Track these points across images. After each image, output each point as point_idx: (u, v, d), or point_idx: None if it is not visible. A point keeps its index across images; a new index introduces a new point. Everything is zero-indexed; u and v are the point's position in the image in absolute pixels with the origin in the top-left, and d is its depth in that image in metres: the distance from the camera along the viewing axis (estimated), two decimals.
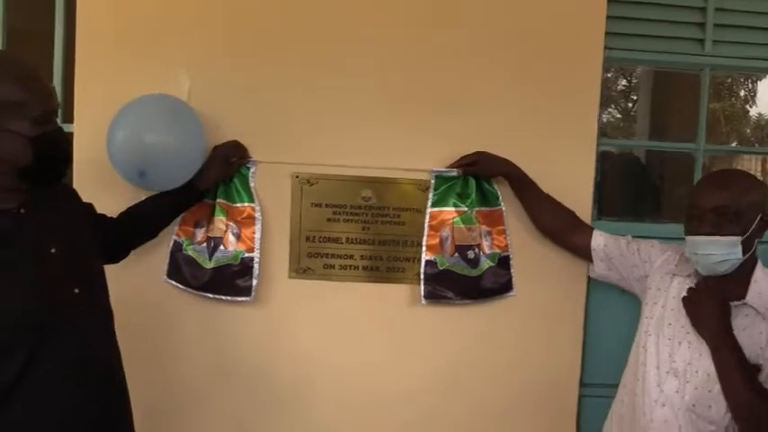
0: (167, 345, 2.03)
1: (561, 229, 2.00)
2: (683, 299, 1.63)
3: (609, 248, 1.90)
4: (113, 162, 1.75)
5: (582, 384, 2.13)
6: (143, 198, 1.83)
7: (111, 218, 1.73)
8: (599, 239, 1.93)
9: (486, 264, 2.02)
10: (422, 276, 2.00)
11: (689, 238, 1.61)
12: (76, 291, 1.36)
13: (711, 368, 1.55)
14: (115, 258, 1.74)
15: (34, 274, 1.28)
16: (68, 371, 1.32)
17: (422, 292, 2.00)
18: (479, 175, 2.00)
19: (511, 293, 2.05)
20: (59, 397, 1.30)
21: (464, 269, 2.00)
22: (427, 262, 2.00)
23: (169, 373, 2.03)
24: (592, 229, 1.96)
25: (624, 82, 8.40)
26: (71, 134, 1.90)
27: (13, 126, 1.24)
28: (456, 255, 2.00)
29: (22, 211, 1.32)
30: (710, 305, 1.56)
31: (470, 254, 2.00)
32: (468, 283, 2.01)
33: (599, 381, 2.12)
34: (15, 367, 1.23)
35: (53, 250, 1.33)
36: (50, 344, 1.28)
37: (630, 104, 9.00)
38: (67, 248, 1.36)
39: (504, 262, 2.04)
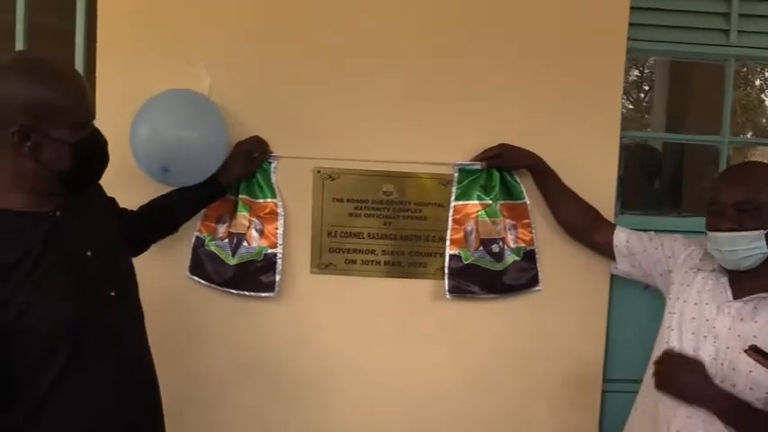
0: (189, 340, 2.04)
1: (583, 226, 1.98)
2: (654, 375, 1.62)
3: (631, 245, 1.89)
4: (136, 158, 1.75)
5: (605, 380, 2.12)
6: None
7: (132, 211, 1.73)
8: (621, 236, 1.91)
9: (510, 258, 2.01)
10: (446, 271, 1.99)
11: (711, 234, 1.60)
12: (112, 293, 1.35)
13: (738, 362, 1.53)
14: (136, 252, 1.72)
15: (73, 279, 1.27)
16: (105, 373, 1.31)
17: (446, 287, 1.99)
18: (503, 168, 1.98)
19: (537, 288, 2.04)
20: (96, 399, 1.30)
21: (489, 263, 1.99)
22: (451, 256, 1.99)
23: (191, 368, 2.04)
24: (614, 226, 1.95)
25: (636, 72, 8.35)
26: None
27: (54, 133, 1.23)
28: (481, 248, 1.99)
29: (59, 214, 1.30)
30: (684, 374, 1.58)
31: (495, 247, 1.98)
32: (493, 277, 2.00)
33: (622, 376, 2.11)
34: (55, 371, 1.23)
35: (89, 253, 1.32)
36: (88, 347, 1.27)
37: (642, 95, 8.95)
38: (102, 251, 1.36)
39: (529, 256, 2.02)
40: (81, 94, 1.28)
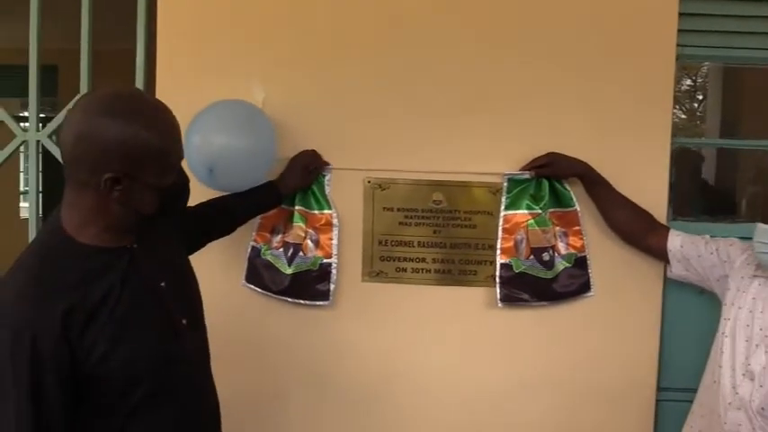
0: (242, 348, 2.09)
1: (637, 231, 1.97)
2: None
3: (686, 249, 1.86)
4: (188, 162, 1.76)
5: (659, 388, 2.09)
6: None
7: (191, 207, 1.68)
8: (675, 241, 1.89)
9: (561, 265, 2.01)
10: (497, 279, 2.00)
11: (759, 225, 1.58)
12: (184, 321, 1.32)
13: None
14: (191, 250, 1.65)
15: (151, 315, 1.25)
16: (177, 402, 1.30)
17: (498, 295, 2.00)
18: (552, 177, 1.99)
19: (589, 294, 2.03)
20: (168, 429, 1.28)
21: (540, 271, 1.99)
22: (502, 265, 2.00)
23: (243, 376, 2.08)
24: (668, 229, 1.92)
25: (689, 81, 8.20)
26: None
27: (148, 179, 1.19)
28: (532, 257, 1.99)
29: (135, 246, 1.26)
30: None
31: (545, 256, 1.99)
32: (544, 284, 2.00)
33: (677, 385, 2.07)
34: (131, 404, 1.21)
35: (163, 284, 1.29)
36: (163, 378, 1.26)
37: (696, 104, 8.77)
38: (174, 279, 1.33)
39: (580, 263, 2.02)
40: (176, 136, 1.25)
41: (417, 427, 2.09)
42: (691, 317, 2.06)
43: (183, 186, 1.33)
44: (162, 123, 1.20)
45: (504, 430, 2.09)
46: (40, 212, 2.29)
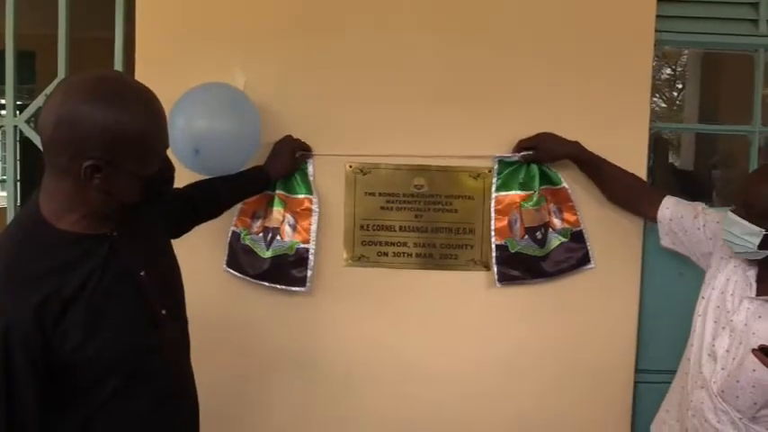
0: (223, 333, 2.09)
1: (633, 202, 1.98)
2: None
3: (673, 223, 1.84)
4: (173, 144, 1.71)
5: (637, 370, 2.13)
6: None
7: (177, 189, 1.60)
8: (665, 213, 1.86)
9: (556, 240, 2.03)
10: (493, 261, 2.02)
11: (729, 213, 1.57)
12: (163, 312, 1.29)
13: (745, 359, 1.51)
14: (177, 234, 1.62)
15: (130, 305, 1.22)
16: (152, 390, 1.27)
17: (495, 276, 2.02)
18: (543, 162, 2.00)
19: (589, 266, 2.05)
20: (139, 417, 1.25)
21: (535, 250, 2.01)
22: (498, 246, 2.02)
23: (226, 361, 2.09)
24: (661, 198, 1.89)
25: (669, 71, 8.27)
26: None
27: (129, 166, 1.14)
28: (526, 237, 2.01)
29: (115, 234, 1.22)
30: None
31: (538, 234, 2.01)
32: (540, 262, 2.02)
33: (655, 367, 2.11)
34: (106, 390, 1.18)
35: (143, 273, 1.25)
36: (139, 366, 1.23)
37: (675, 93, 8.86)
38: (154, 268, 1.29)
39: (577, 236, 2.03)
40: (162, 123, 1.19)
41: (398, 408, 2.11)
42: (669, 299, 2.10)
43: (167, 175, 1.28)
44: (147, 110, 1.15)
45: (484, 411, 2.11)
46: (18, 201, 2.27)
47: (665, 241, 1.90)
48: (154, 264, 1.30)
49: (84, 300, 1.13)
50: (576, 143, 1.97)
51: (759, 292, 1.56)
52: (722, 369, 1.57)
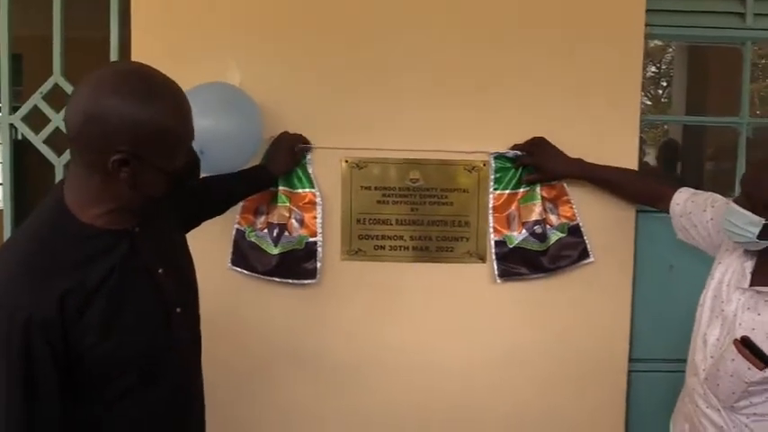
0: (223, 329, 2.08)
1: (649, 203, 1.99)
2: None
3: (684, 219, 1.83)
4: None
5: (631, 359, 2.15)
6: None
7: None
8: (675, 209, 1.85)
9: (554, 236, 2.05)
10: (493, 256, 2.05)
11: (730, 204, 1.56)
12: (178, 310, 1.29)
13: (728, 349, 1.52)
14: (186, 229, 1.58)
15: (149, 299, 1.23)
16: (163, 387, 1.27)
17: (496, 272, 2.05)
18: (543, 182, 2.03)
19: (589, 260, 2.07)
20: (148, 414, 1.26)
21: (534, 245, 2.04)
22: (496, 242, 2.05)
23: (227, 355, 2.09)
24: (674, 191, 1.87)
25: (654, 69, 8.35)
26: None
27: (157, 161, 1.14)
28: (524, 231, 2.04)
29: (137, 229, 1.22)
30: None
31: (537, 229, 2.03)
32: (540, 257, 2.04)
33: (647, 356, 2.14)
34: (120, 387, 1.19)
35: (161, 270, 1.25)
36: (154, 363, 1.24)
37: (661, 91, 8.95)
38: (171, 266, 1.29)
39: (574, 231, 2.05)
40: (188, 116, 1.19)
41: (397, 400, 2.13)
42: (661, 291, 2.13)
43: (193, 165, 1.28)
44: (174, 103, 1.14)
45: (481, 401, 2.14)
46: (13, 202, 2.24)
47: (680, 235, 1.88)
48: (172, 261, 1.31)
49: (104, 295, 1.13)
50: (578, 161, 1.99)
51: (752, 283, 1.55)
52: (711, 357, 1.59)
